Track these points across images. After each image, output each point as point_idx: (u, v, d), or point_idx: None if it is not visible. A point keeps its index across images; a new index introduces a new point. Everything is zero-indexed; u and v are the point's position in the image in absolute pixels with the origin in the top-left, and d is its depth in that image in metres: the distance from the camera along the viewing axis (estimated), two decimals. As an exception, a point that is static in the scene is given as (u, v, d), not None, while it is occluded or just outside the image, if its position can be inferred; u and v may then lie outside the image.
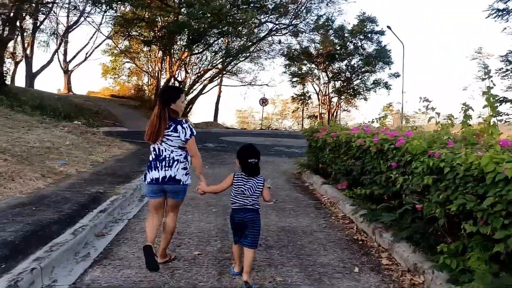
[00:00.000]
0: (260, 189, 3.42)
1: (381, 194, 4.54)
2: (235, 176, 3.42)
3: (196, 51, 29.52)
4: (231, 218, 3.43)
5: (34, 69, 30.13)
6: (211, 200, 6.31)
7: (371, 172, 4.80)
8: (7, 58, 33.39)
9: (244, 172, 3.39)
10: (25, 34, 28.74)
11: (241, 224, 3.35)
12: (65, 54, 34.00)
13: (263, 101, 33.23)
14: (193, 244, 4.30)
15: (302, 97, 39.77)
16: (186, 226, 4.90)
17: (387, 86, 37.01)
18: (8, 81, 19.49)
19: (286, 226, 5.11)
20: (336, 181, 7.08)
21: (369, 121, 7.24)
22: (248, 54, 32.04)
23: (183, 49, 28.11)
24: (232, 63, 32.28)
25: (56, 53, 31.45)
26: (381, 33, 36.01)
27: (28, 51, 29.33)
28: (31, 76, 29.27)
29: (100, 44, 33.86)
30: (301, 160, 10.75)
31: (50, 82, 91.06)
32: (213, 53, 30.40)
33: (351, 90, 38.14)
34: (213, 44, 29.02)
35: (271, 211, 5.84)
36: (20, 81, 30.54)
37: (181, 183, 3.56)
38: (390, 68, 36.27)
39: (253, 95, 56.90)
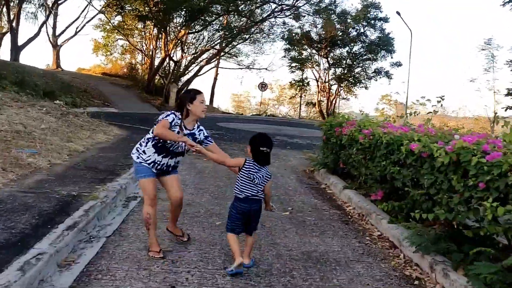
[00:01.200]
0: (266, 181, 3.35)
1: (450, 220, 3.36)
2: (247, 161, 3.29)
3: (194, 30, 27.96)
4: (234, 208, 3.33)
5: (20, 42, 28.41)
6: (214, 207, 5.11)
7: (431, 188, 3.61)
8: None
9: (256, 160, 3.28)
10: (11, 4, 26.92)
11: (246, 215, 3.31)
12: (54, 27, 32.23)
13: (262, 86, 31.86)
14: (194, 284, 3.10)
15: (301, 83, 38.47)
16: (184, 250, 3.70)
17: (388, 75, 36.00)
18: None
19: (312, 251, 3.94)
20: (361, 186, 5.91)
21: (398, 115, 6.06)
22: (248, 36, 30.55)
23: (180, 27, 26.53)
24: (231, 45, 30.74)
25: (44, 25, 29.69)
26: (385, 20, 34.84)
27: (14, 23, 27.53)
28: (16, 49, 27.50)
29: (92, 18, 32.11)
30: (313, 156, 9.58)
31: (38, 58, 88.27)
32: (213, 32, 28.83)
33: (352, 77, 37.02)
34: (212, 23, 27.45)
35: (289, 226, 4.66)
36: (6, 55, 28.84)
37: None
38: (392, 57, 35.23)
39: (249, 79, 55.43)
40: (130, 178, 5.61)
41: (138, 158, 3.50)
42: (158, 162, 3.47)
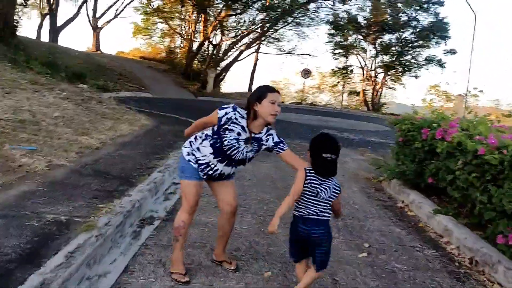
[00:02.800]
0: (335, 197, 2.58)
1: None
2: (308, 171, 2.54)
3: (235, 12, 26.43)
4: (293, 229, 2.61)
5: (59, 23, 27.96)
6: (259, 240, 3.62)
7: None
8: (32, 9, 31.53)
9: (315, 169, 2.53)
10: (50, -16, 26.42)
11: (306, 240, 2.56)
12: (94, 9, 31.69)
13: (306, 73, 29.87)
14: None
15: (344, 70, 36.30)
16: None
17: (440, 64, 33.21)
18: (20, 33, 17.13)
19: None
20: (458, 211, 4.23)
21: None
22: (291, 19, 28.66)
23: (220, 9, 25.08)
24: (273, 29, 28.98)
25: (84, 7, 29.07)
26: (440, 3, 31.97)
27: (53, 3, 27.05)
28: (55, 31, 27.12)
29: (132, 0, 31.33)
30: (376, 158, 7.90)
31: (79, 40, 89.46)
32: (255, 15, 27.18)
33: (401, 66, 34.47)
34: (254, 5, 25.77)
35: (373, 280, 3.09)
36: (47, 37, 28.46)
37: None
38: (446, 44, 32.38)
39: (289, 65, 53.43)
40: (148, 190, 4.21)
41: (188, 155, 2.86)
42: (213, 167, 2.82)
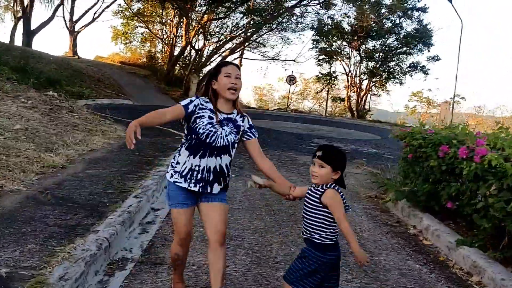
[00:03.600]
0: None
1: None
2: (339, 191, 2.23)
3: (217, 17, 25.79)
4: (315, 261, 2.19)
5: (34, 27, 26.76)
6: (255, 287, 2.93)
7: None
8: (5, 12, 30.24)
9: (341, 185, 2.26)
10: (24, -15, 25.27)
11: (334, 266, 2.25)
12: (71, 12, 30.56)
13: (291, 79, 29.41)
14: None
15: (328, 77, 36.05)
16: None
17: (424, 71, 33.36)
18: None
19: None
20: (495, 249, 3.62)
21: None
22: (275, 25, 28.17)
23: (202, 13, 24.40)
24: (257, 34, 28.43)
25: (60, 8, 27.88)
26: (423, 10, 32.18)
27: (27, 6, 25.85)
28: (28, 34, 25.85)
29: (111, 4, 30.37)
30: (375, 172, 7.32)
31: (56, 45, 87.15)
32: (238, 19, 26.59)
33: (385, 72, 34.46)
34: (237, 9, 25.16)
35: None
36: (21, 41, 27.18)
37: None
38: (429, 51, 32.58)
39: (273, 71, 53.07)
40: (120, 223, 3.46)
41: (172, 176, 2.55)
42: (197, 168, 2.49)
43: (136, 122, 2.29)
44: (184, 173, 2.49)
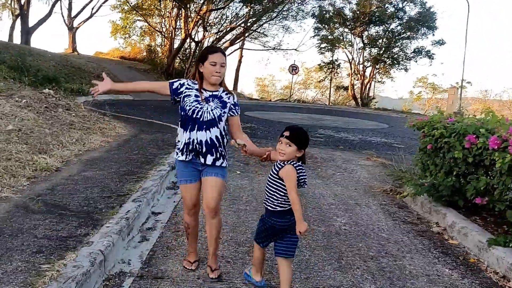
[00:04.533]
0: None
1: None
2: (298, 167, 2.51)
3: (216, 7, 25.29)
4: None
5: (31, 24, 26.36)
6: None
7: None
8: (3, 10, 29.84)
9: (303, 162, 2.58)
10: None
11: (284, 229, 2.62)
12: (69, 8, 30.10)
13: (293, 69, 28.93)
14: None
15: (331, 65, 35.43)
16: None
17: (429, 55, 32.64)
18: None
19: None
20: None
21: None
22: (275, 14, 27.63)
23: (201, 4, 23.90)
24: (257, 24, 27.92)
25: (57, 4, 27.44)
26: (426, -8, 31.41)
27: (23, 2, 25.43)
28: (26, 32, 25.51)
29: (108, -2, 29.92)
30: (387, 163, 6.98)
31: (55, 41, 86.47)
32: (238, 9, 26.06)
33: (390, 58, 33.81)
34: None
35: None
36: (19, 39, 26.81)
37: None
38: (433, 35, 31.95)
39: (274, 62, 52.60)
40: (117, 232, 3.13)
41: (176, 155, 2.87)
42: (189, 141, 2.76)
43: (111, 85, 2.84)
44: (181, 148, 2.82)
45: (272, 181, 2.56)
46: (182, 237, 3.51)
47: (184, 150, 2.79)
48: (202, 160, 2.78)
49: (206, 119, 2.75)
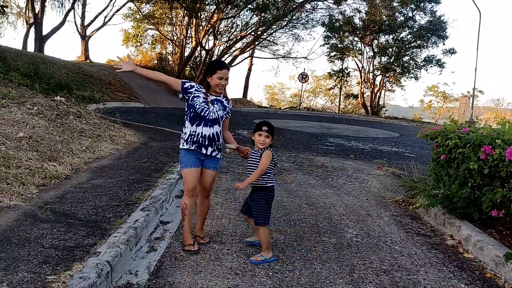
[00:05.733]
0: None
1: None
2: (273, 152, 3.40)
3: (227, 16, 25.43)
4: (269, 199, 3.42)
5: (45, 32, 26.76)
6: None
7: None
8: (17, 18, 30.38)
9: (273, 146, 3.47)
10: (35, -9, 25.25)
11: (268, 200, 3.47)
12: (82, 17, 30.50)
13: (303, 77, 28.92)
14: None
15: (341, 73, 35.34)
16: None
17: (440, 64, 32.37)
18: (1, 42, 15.96)
19: None
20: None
21: None
22: (285, 22, 27.70)
23: (212, 12, 24.06)
24: (267, 32, 27.98)
25: (70, 13, 27.81)
26: (436, 1, 31.29)
27: (38, 12, 25.85)
28: (40, 40, 25.86)
29: (121, 7, 30.45)
30: (400, 173, 6.88)
31: (68, 50, 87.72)
32: (248, 17, 26.18)
33: (400, 67, 33.63)
34: (246, 7, 24.77)
35: None
36: (33, 47, 27.22)
37: None
38: (444, 44, 31.79)
39: (284, 70, 52.70)
40: (125, 242, 3.09)
41: (182, 145, 3.46)
42: (194, 133, 3.40)
43: (134, 67, 3.25)
44: (186, 138, 3.40)
45: (255, 162, 3.33)
46: (190, 247, 3.46)
47: (189, 140, 3.38)
48: (204, 151, 3.38)
49: (211, 118, 3.39)
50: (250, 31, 27.48)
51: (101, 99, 15.52)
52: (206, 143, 3.37)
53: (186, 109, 3.44)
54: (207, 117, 3.37)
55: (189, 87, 3.39)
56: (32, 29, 27.45)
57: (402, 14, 31.75)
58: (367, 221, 4.58)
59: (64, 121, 7.05)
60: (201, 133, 3.36)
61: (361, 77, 34.17)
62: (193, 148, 3.36)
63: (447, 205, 4.38)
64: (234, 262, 3.24)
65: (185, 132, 3.43)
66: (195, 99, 3.36)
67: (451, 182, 4.39)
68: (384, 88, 35.01)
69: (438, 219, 4.56)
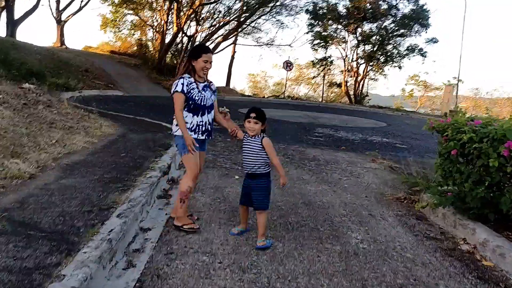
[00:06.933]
0: None
1: None
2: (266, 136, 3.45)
3: (209, 1, 24.62)
4: (271, 184, 3.50)
5: (17, 16, 25.40)
6: None
7: None
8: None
9: (264, 131, 3.48)
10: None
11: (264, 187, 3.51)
12: (57, 1, 29.13)
13: (288, 65, 28.38)
14: None
15: (324, 62, 34.95)
16: None
17: (422, 53, 32.45)
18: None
19: None
20: None
21: None
22: (269, 8, 27.06)
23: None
24: (251, 18, 27.28)
25: (45, -2, 26.45)
26: (420, -11, 31.20)
27: (9, -6, 24.45)
28: (12, 24, 24.54)
29: (98, -10, 29.02)
30: (398, 167, 6.50)
31: (44, 35, 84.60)
32: (230, 3, 25.43)
33: (383, 55, 33.54)
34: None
35: None
36: (4, 32, 25.83)
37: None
38: (426, 32, 31.93)
39: (267, 58, 52.11)
40: (96, 260, 2.56)
41: (185, 132, 3.48)
42: (201, 123, 3.54)
43: (188, 136, 3.41)
44: (193, 128, 3.51)
45: (258, 152, 3.34)
46: (175, 261, 2.96)
47: (197, 130, 3.52)
48: (211, 137, 3.65)
49: (208, 105, 3.57)
50: (233, 16, 26.72)
51: (76, 87, 14.69)
52: (210, 128, 3.60)
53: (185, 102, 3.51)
54: (206, 105, 3.54)
55: (185, 89, 3.45)
56: (4, 13, 26.09)
57: (386, 2, 31.53)
58: (371, 222, 4.15)
59: (32, 111, 6.38)
60: (208, 121, 3.56)
61: (344, 65, 33.90)
62: (203, 137, 3.54)
63: (458, 205, 3.98)
64: (227, 280, 2.76)
65: (186, 122, 3.47)
66: (192, 91, 3.47)
67: (463, 179, 3.99)
68: (367, 76, 34.87)
69: (448, 220, 4.16)
